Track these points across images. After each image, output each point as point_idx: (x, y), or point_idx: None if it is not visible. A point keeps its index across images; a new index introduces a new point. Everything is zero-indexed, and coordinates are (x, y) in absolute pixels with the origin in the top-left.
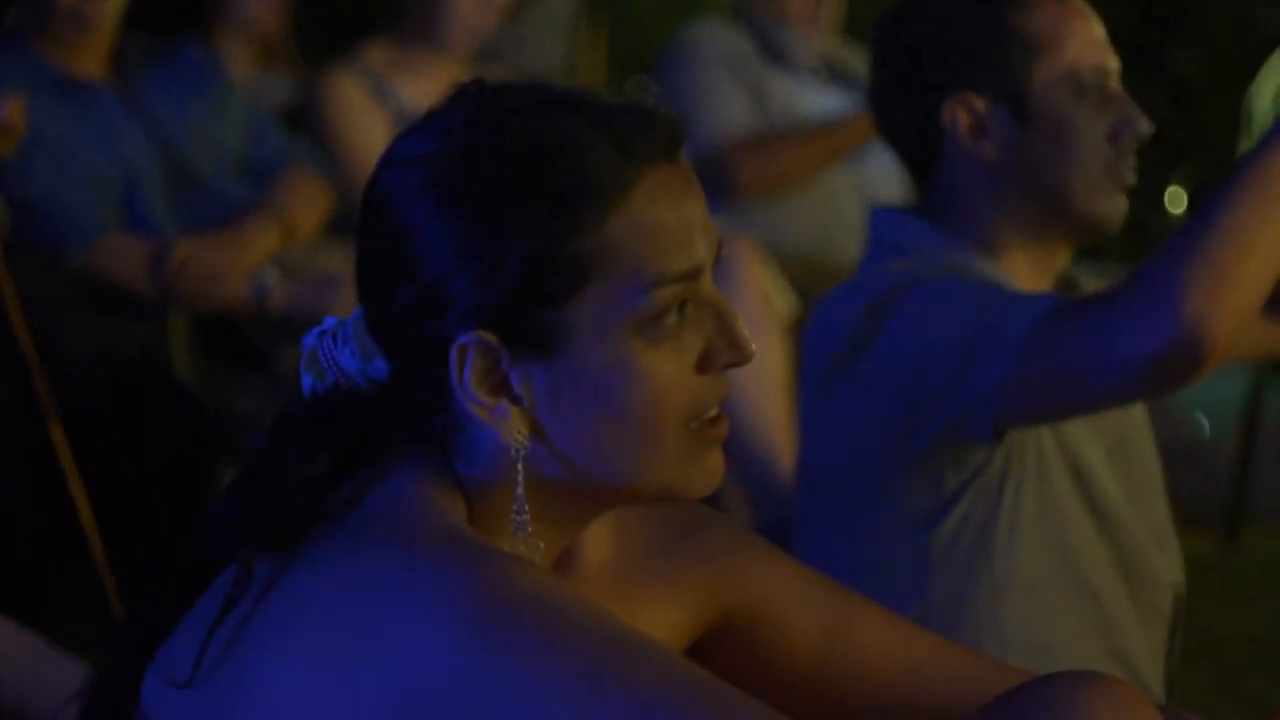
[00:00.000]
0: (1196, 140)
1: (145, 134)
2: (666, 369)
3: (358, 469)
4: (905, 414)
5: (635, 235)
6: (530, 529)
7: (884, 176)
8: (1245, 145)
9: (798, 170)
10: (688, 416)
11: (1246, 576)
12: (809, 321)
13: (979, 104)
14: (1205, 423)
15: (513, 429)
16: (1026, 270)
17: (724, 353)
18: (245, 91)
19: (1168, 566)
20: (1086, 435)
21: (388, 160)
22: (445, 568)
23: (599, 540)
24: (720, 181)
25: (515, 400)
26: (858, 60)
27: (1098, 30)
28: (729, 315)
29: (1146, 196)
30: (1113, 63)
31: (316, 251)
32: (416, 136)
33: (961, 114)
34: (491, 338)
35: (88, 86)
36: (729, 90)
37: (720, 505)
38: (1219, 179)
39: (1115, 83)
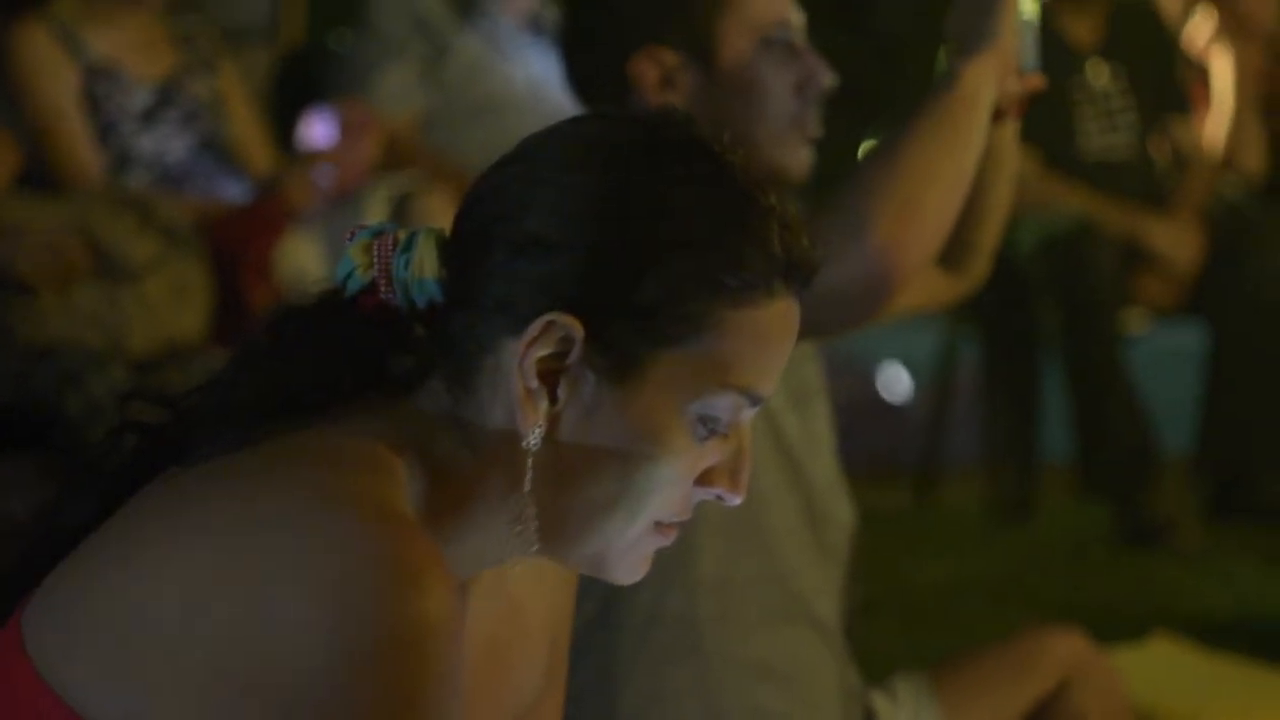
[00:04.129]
0: (897, 95)
1: None
2: (684, 463)
3: (348, 385)
4: None
5: (748, 338)
6: (535, 528)
7: None
8: None
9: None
10: (663, 512)
11: (938, 529)
12: None
13: (667, 58)
14: (905, 378)
15: (537, 417)
16: None
17: (723, 481)
18: None
19: (844, 509)
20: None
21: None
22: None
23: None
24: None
25: (552, 399)
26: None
27: None
28: (746, 457)
29: (843, 150)
30: (797, 16)
31: (1, 204)
32: (622, 116)
33: (649, 68)
34: (580, 331)
35: None
36: (401, 66)
37: None
38: None
39: (800, 36)
